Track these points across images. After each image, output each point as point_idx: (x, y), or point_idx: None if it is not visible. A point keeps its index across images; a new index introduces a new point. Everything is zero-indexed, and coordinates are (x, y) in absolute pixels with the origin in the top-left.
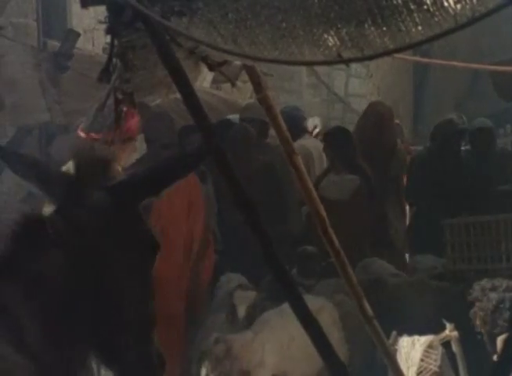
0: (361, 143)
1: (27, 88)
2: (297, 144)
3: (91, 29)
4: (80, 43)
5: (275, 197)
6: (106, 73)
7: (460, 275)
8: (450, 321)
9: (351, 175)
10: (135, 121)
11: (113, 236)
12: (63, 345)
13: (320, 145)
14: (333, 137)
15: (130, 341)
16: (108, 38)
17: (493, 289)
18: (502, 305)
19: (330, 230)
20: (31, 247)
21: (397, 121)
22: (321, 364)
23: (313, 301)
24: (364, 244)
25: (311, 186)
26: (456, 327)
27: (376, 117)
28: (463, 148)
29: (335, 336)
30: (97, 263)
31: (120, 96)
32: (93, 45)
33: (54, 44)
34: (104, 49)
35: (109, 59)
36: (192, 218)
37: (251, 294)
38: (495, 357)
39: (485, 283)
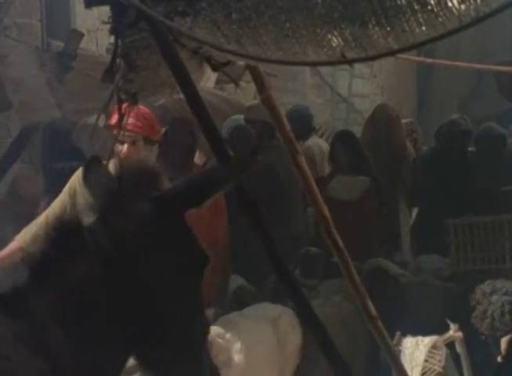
0: (372, 146)
1: (33, 86)
2: (313, 143)
3: (94, 29)
4: (83, 43)
5: (275, 198)
6: (109, 73)
7: (464, 275)
8: (454, 322)
9: (362, 176)
10: (141, 120)
11: (155, 247)
12: (93, 351)
13: (326, 145)
14: (342, 139)
15: (172, 356)
16: (112, 39)
17: (494, 292)
18: (502, 308)
19: (334, 231)
20: (66, 253)
21: (411, 120)
22: (279, 372)
23: (272, 309)
24: (373, 245)
25: (314, 186)
26: (461, 328)
27: (387, 120)
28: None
29: (293, 342)
30: (137, 274)
31: (123, 97)
32: (97, 45)
33: (58, 44)
34: (108, 50)
35: (113, 59)
36: (218, 217)
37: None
38: (499, 358)
39: (485, 286)
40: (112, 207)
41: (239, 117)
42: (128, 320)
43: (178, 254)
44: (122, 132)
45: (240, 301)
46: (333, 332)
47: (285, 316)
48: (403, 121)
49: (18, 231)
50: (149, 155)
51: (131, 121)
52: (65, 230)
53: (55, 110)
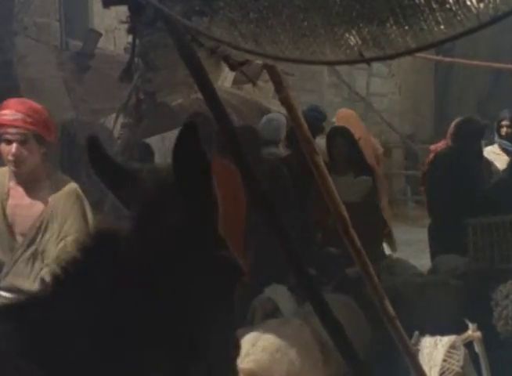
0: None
1: (49, 87)
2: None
3: (112, 29)
4: (101, 43)
5: (282, 197)
6: (127, 72)
7: (483, 275)
8: (473, 321)
9: (364, 176)
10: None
11: (191, 259)
12: (121, 364)
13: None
14: (339, 134)
15: (205, 372)
16: (129, 38)
17: (510, 293)
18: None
19: (352, 230)
20: (99, 263)
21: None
22: None
23: None
24: (378, 245)
25: (332, 185)
26: (479, 328)
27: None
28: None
29: None
30: (172, 288)
31: (142, 96)
32: (115, 44)
33: (76, 44)
34: (125, 49)
35: (131, 58)
36: (236, 206)
37: None
38: None
39: (503, 288)
40: (148, 218)
41: (276, 116)
42: (162, 335)
43: (213, 268)
44: (11, 130)
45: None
46: (290, 354)
47: None
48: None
49: None
50: (42, 157)
51: (20, 116)
52: (101, 239)
53: (70, 111)
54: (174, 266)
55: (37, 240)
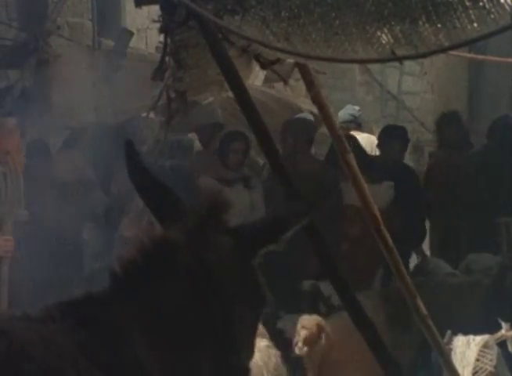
0: None
1: (76, 89)
2: None
3: (144, 28)
4: (133, 42)
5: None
6: (159, 72)
7: None
8: (506, 321)
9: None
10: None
11: (233, 281)
12: (178, 364)
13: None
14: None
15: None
16: (161, 37)
17: None
18: None
19: (383, 229)
20: (159, 268)
21: None
22: None
23: None
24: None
25: (364, 184)
26: None
27: None
28: None
29: None
30: (220, 299)
31: (172, 95)
32: (146, 44)
33: (108, 43)
34: (157, 48)
35: (163, 57)
36: None
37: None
38: None
39: None
40: (194, 237)
41: (306, 116)
42: (209, 338)
43: (245, 290)
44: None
45: None
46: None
47: None
48: None
49: None
50: None
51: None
52: (160, 244)
53: (91, 114)
54: (222, 282)
55: None
